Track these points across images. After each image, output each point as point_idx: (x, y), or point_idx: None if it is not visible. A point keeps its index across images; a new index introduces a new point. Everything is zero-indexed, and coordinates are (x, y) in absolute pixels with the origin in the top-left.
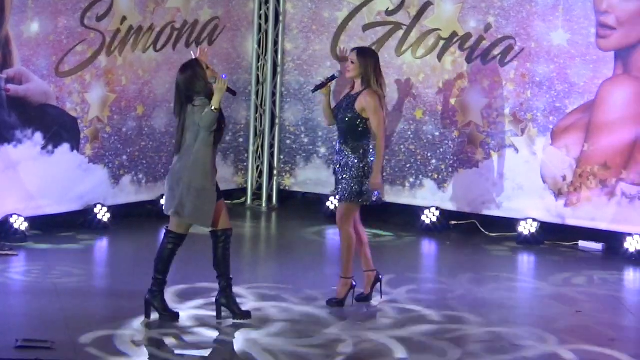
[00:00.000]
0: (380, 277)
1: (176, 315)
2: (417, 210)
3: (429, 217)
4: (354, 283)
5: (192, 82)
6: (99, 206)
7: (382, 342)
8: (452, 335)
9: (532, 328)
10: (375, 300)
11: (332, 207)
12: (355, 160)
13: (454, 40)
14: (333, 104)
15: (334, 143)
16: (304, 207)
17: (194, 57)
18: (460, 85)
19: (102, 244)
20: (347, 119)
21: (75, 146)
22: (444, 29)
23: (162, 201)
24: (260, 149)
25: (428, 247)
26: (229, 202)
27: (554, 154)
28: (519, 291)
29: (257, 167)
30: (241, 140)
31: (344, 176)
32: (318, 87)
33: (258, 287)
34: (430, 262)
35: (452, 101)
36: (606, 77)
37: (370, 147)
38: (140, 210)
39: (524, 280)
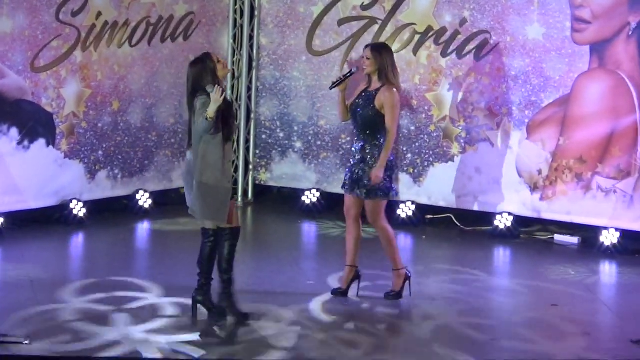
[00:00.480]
0: (360, 274)
1: (224, 312)
2: (393, 204)
3: (405, 211)
4: (409, 273)
5: (200, 76)
6: (74, 201)
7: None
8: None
9: (506, 322)
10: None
11: (307, 201)
12: (377, 157)
13: (430, 35)
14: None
15: (310, 138)
16: (280, 202)
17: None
18: (436, 79)
19: (78, 239)
20: (367, 116)
21: (51, 141)
22: (419, 24)
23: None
24: (235, 143)
25: (404, 241)
26: None
27: (530, 147)
28: (494, 285)
29: (233, 161)
30: None
31: (366, 172)
32: (336, 84)
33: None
34: (406, 256)
35: (428, 95)
36: (582, 71)
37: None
38: (116, 205)
39: (499, 273)
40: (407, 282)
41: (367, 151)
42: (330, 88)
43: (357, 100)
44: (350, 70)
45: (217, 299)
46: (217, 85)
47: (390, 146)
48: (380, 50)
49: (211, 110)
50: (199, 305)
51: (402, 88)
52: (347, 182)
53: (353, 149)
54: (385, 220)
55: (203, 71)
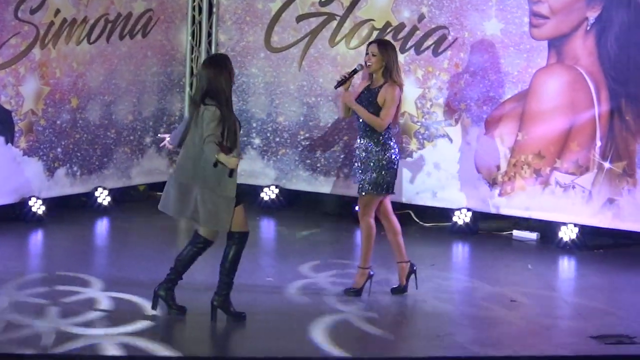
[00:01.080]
0: (415, 268)
1: (183, 310)
2: (352, 201)
3: None
4: (372, 273)
5: (216, 80)
6: (33, 199)
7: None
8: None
9: (465, 317)
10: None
11: (266, 198)
12: (377, 153)
13: (388, 31)
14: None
15: (269, 135)
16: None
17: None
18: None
19: (37, 237)
20: (370, 112)
21: (10, 139)
22: (378, 20)
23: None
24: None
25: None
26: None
27: (488, 143)
28: (452, 281)
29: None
30: None
31: (366, 168)
32: (341, 83)
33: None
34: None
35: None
36: (540, 66)
37: (391, 139)
38: (75, 202)
39: (457, 269)
40: (369, 281)
41: (369, 149)
42: (336, 87)
43: (359, 98)
44: (355, 68)
45: (212, 297)
46: (238, 157)
47: (370, 118)
48: (387, 47)
49: (222, 160)
50: (160, 300)
51: (404, 86)
52: (357, 181)
53: (356, 148)
54: (373, 217)
55: (220, 76)
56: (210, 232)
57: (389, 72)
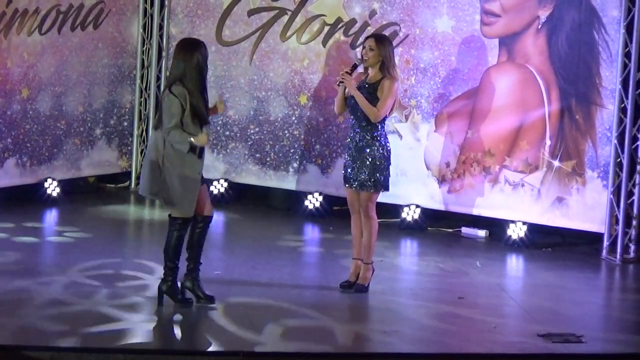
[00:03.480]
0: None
1: (189, 302)
2: (301, 195)
3: (312, 202)
4: (374, 268)
5: (190, 66)
6: None
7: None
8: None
9: (413, 314)
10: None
11: (215, 191)
12: (376, 149)
13: (339, 26)
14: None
15: (218, 128)
16: None
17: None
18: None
19: None
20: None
21: None
22: (329, 15)
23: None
24: (144, 132)
25: (311, 232)
26: (113, 185)
27: (438, 140)
28: (401, 277)
29: (142, 150)
30: (125, 124)
31: (365, 164)
32: (342, 80)
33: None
34: (313, 247)
35: (337, 87)
36: (490, 64)
37: (386, 135)
38: (24, 193)
39: (405, 265)
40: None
41: (366, 143)
42: (338, 85)
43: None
44: (355, 64)
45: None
46: (203, 133)
47: (369, 110)
48: (384, 41)
49: (192, 140)
50: (164, 295)
51: (401, 80)
52: (346, 176)
53: (350, 142)
54: (375, 212)
55: (186, 60)
56: (207, 209)
57: (387, 67)
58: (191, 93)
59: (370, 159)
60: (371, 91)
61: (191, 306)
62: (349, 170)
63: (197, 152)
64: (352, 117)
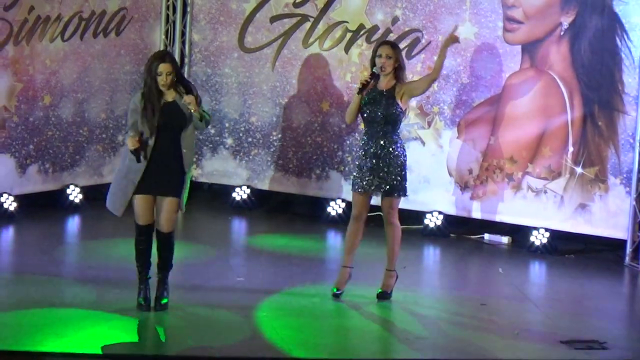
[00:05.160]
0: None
1: (164, 306)
2: (323, 202)
3: (335, 209)
4: (397, 274)
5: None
6: (5, 195)
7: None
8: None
9: (435, 321)
10: None
11: (238, 198)
12: (399, 154)
13: (361, 33)
14: None
15: (241, 135)
16: (210, 198)
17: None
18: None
19: (8, 233)
20: (391, 114)
21: None
22: (351, 22)
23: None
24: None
25: (334, 238)
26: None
27: (461, 147)
28: (423, 284)
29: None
30: None
31: (390, 169)
32: (364, 87)
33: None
34: (335, 254)
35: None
36: (513, 71)
37: (401, 140)
38: (47, 199)
39: (429, 272)
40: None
41: (388, 148)
42: (359, 93)
43: (371, 101)
44: (374, 72)
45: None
46: (133, 137)
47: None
48: (398, 48)
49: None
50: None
51: None
52: (366, 183)
53: (370, 149)
54: (397, 218)
55: (148, 67)
56: (161, 225)
57: (401, 72)
58: (144, 96)
59: (395, 165)
60: (389, 97)
61: (166, 308)
62: (369, 176)
63: (137, 156)
64: (369, 125)
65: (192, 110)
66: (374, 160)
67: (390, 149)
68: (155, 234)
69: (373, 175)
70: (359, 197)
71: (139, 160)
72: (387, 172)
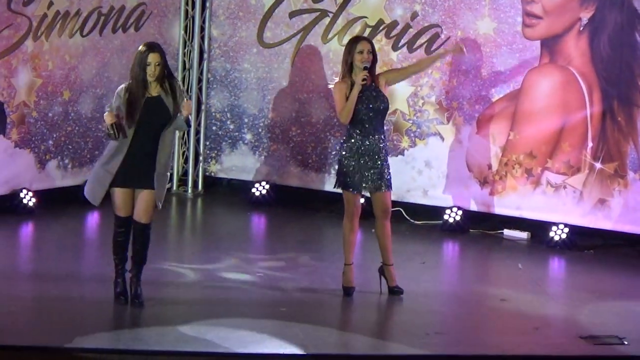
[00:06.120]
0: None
1: (141, 303)
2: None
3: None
4: None
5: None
6: (24, 191)
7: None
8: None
9: (455, 316)
10: None
11: (257, 193)
12: (385, 149)
13: (381, 28)
14: None
15: (260, 130)
16: (230, 193)
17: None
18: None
19: (27, 229)
20: (385, 108)
21: (1, 131)
22: (371, 17)
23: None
24: (186, 134)
25: None
26: None
27: (480, 142)
28: (443, 279)
29: (183, 152)
30: None
31: (384, 164)
32: (366, 80)
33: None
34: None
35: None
36: (532, 66)
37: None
38: (66, 195)
39: (448, 267)
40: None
41: (379, 143)
42: (363, 86)
43: (364, 96)
44: (366, 67)
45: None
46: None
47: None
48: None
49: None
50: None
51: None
52: (366, 181)
53: (362, 147)
54: None
55: (135, 61)
56: (137, 214)
57: (375, 65)
58: (131, 90)
59: (386, 159)
60: (378, 91)
61: (143, 305)
62: (367, 175)
63: (114, 132)
64: (362, 122)
65: (183, 115)
66: (371, 158)
67: (381, 145)
68: (132, 225)
69: (372, 173)
70: (355, 196)
71: (116, 138)
72: (382, 168)
